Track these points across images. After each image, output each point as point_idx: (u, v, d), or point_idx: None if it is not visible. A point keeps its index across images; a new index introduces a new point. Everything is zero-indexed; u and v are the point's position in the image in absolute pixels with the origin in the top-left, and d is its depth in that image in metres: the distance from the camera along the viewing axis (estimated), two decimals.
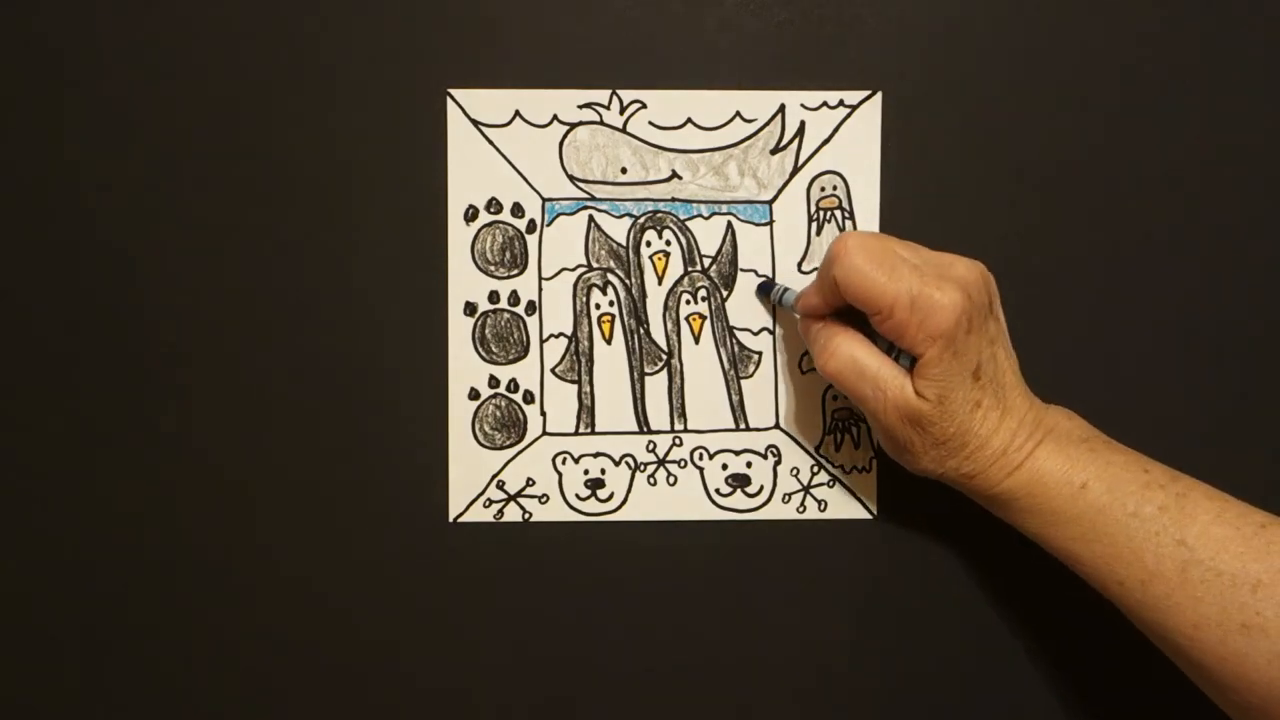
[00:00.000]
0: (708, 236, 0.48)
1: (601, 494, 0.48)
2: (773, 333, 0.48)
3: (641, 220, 0.48)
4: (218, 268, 0.47)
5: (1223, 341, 0.48)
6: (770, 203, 0.48)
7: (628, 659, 0.48)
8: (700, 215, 0.48)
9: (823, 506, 0.48)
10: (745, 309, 0.48)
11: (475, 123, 0.47)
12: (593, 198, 0.48)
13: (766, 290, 0.47)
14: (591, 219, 0.48)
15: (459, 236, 0.47)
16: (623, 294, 0.48)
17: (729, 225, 0.48)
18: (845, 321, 0.43)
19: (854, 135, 0.47)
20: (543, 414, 0.48)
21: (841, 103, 0.47)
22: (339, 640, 0.48)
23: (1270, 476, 0.48)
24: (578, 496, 0.48)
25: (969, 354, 0.40)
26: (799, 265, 0.48)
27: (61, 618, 0.48)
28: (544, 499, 0.48)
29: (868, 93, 0.47)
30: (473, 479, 0.48)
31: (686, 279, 0.48)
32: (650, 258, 0.48)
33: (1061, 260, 0.48)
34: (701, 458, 0.48)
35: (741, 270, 0.48)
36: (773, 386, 0.48)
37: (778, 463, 0.48)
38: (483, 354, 0.48)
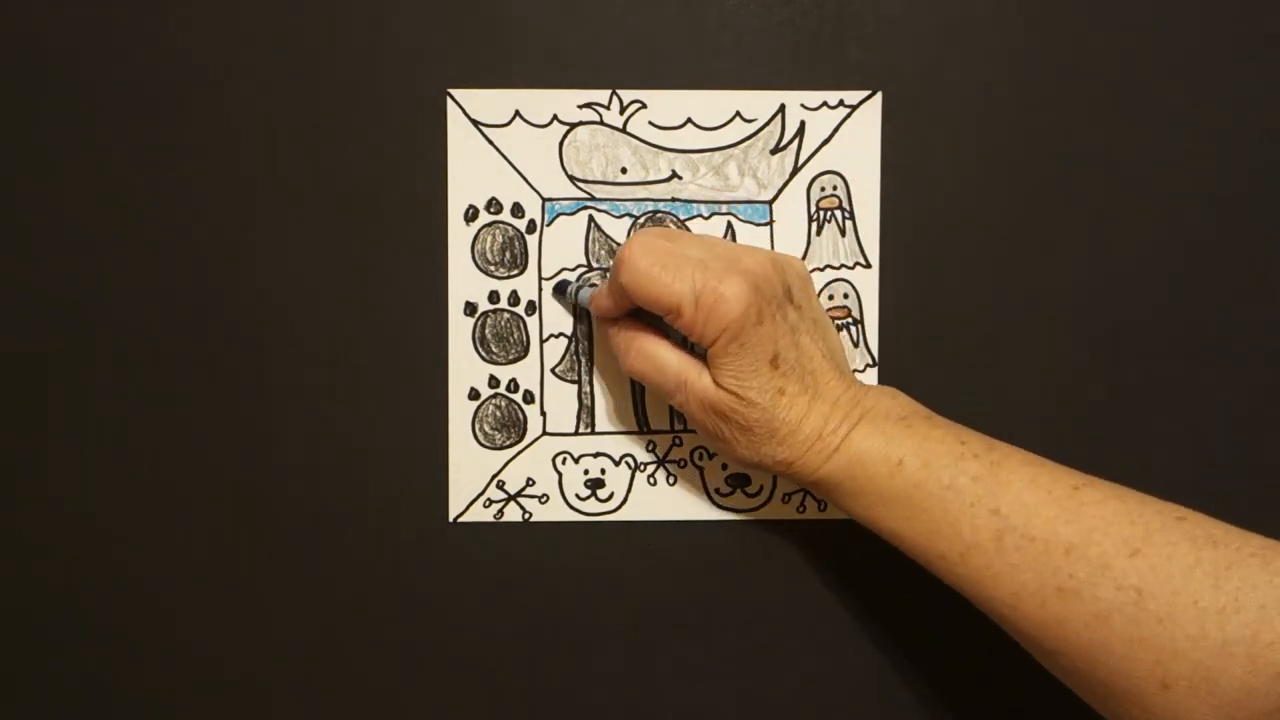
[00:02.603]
0: None
1: (601, 494, 0.48)
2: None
3: (642, 220, 0.48)
4: (217, 267, 0.47)
5: (1225, 340, 0.48)
6: (770, 203, 0.48)
7: (628, 659, 0.48)
8: (700, 215, 0.48)
9: (822, 506, 0.48)
10: None
11: (475, 123, 0.47)
12: (593, 198, 0.48)
13: (563, 290, 0.47)
14: (591, 219, 0.48)
15: (459, 236, 0.47)
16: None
17: (729, 225, 0.48)
18: (642, 318, 0.43)
19: (854, 135, 0.47)
20: (543, 414, 0.48)
21: (841, 103, 0.47)
22: (339, 640, 0.48)
23: None
24: (578, 496, 0.48)
25: (762, 344, 0.40)
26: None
27: (62, 618, 0.48)
28: (544, 499, 0.48)
29: (868, 93, 0.47)
30: (473, 479, 0.48)
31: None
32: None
33: (1062, 260, 0.48)
34: (701, 458, 0.48)
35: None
36: None
37: None
38: (483, 354, 0.48)
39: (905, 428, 0.41)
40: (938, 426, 0.41)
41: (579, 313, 0.48)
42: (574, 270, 0.48)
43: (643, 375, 0.43)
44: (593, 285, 0.46)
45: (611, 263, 0.45)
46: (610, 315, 0.44)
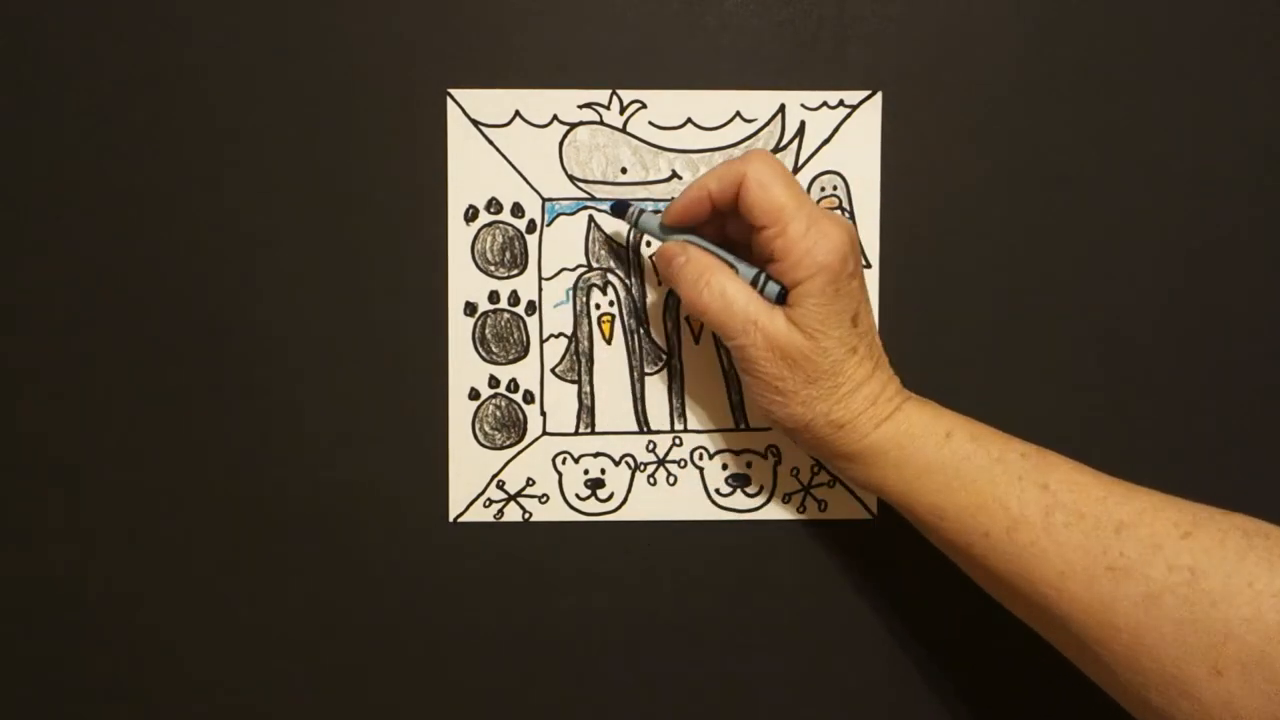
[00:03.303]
0: None
1: (601, 494, 0.48)
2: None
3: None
4: (218, 267, 0.47)
5: (1226, 340, 0.48)
6: None
7: (627, 658, 0.48)
8: None
9: (823, 506, 0.48)
10: None
11: (475, 123, 0.47)
12: (593, 198, 0.48)
13: (622, 210, 0.45)
14: (591, 219, 0.48)
15: (459, 236, 0.47)
16: (623, 294, 0.48)
17: None
18: (709, 250, 0.43)
19: (854, 135, 0.47)
20: (543, 414, 0.48)
21: (841, 103, 0.47)
22: (339, 640, 0.48)
23: None
24: (578, 496, 0.48)
25: (850, 297, 0.40)
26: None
27: (62, 619, 0.48)
28: (544, 499, 0.48)
29: (868, 93, 0.47)
30: (473, 479, 0.48)
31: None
32: (650, 258, 0.48)
33: (1061, 260, 0.48)
34: (701, 458, 0.48)
35: None
36: None
37: (778, 463, 0.48)
38: (483, 354, 0.48)
39: (951, 412, 0.41)
40: (982, 424, 0.42)
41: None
42: (574, 270, 0.48)
43: (708, 310, 0.41)
44: (644, 210, 0.45)
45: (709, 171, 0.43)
46: (690, 217, 0.43)
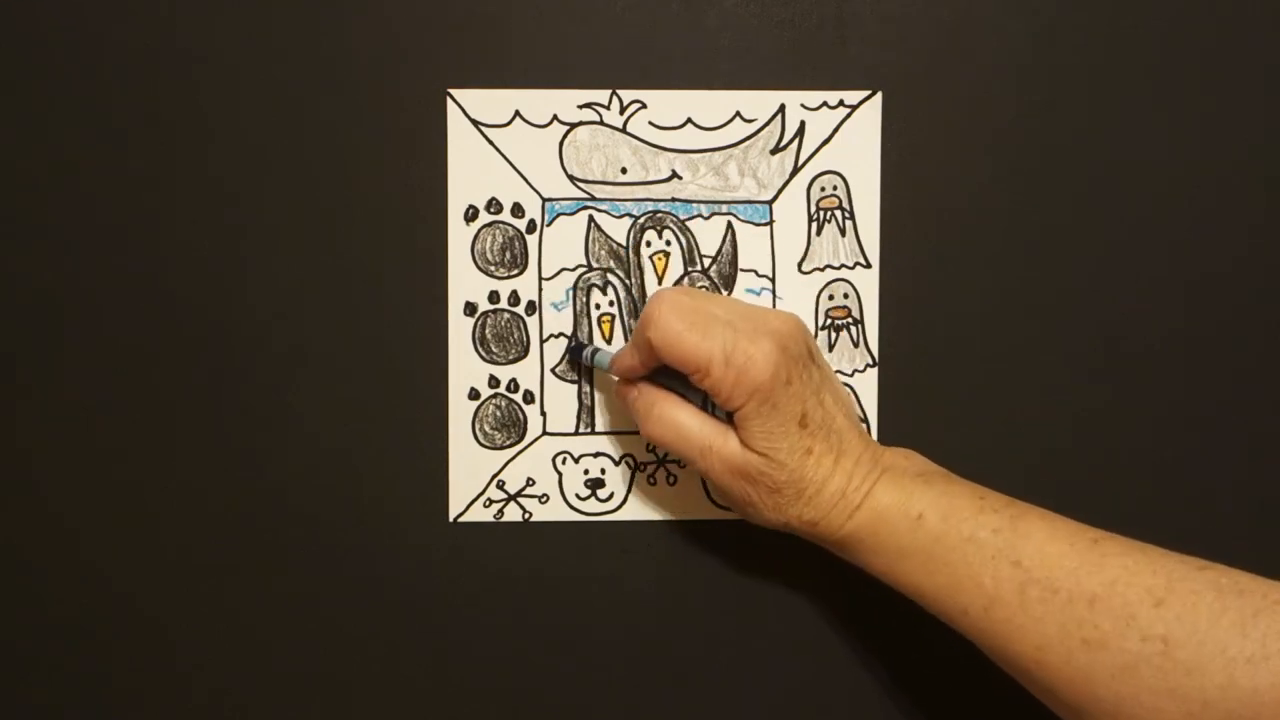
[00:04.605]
0: (708, 236, 0.48)
1: (601, 494, 0.48)
2: (571, 335, 0.48)
3: (641, 220, 0.48)
4: (217, 268, 0.47)
5: (1227, 340, 0.48)
6: (770, 203, 0.48)
7: (627, 659, 0.48)
8: (700, 215, 0.48)
9: None
10: None
11: (475, 123, 0.47)
12: (593, 198, 0.48)
13: (577, 354, 0.47)
14: (591, 219, 0.48)
15: (459, 236, 0.47)
16: (623, 294, 0.48)
17: (729, 225, 0.48)
18: (661, 380, 0.43)
19: (854, 135, 0.47)
20: (543, 414, 0.48)
21: (841, 103, 0.47)
22: (339, 640, 0.48)
23: None
24: (578, 496, 0.48)
25: (791, 404, 0.40)
26: (799, 265, 0.48)
27: (61, 621, 0.48)
28: (544, 499, 0.48)
29: (868, 93, 0.47)
30: (473, 479, 0.48)
31: (686, 279, 0.48)
32: (650, 258, 0.48)
33: (1062, 260, 0.48)
34: None
35: (741, 270, 0.48)
36: None
37: None
38: (483, 354, 0.48)
39: (924, 483, 0.41)
40: (955, 483, 0.41)
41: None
42: (574, 270, 0.48)
43: (663, 441, 0.43)
44: (601, 349, 0.46)
45: (637, 320, 0.45)
46: (634, 374, 0.44)
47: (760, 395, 0.39)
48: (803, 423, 0.40)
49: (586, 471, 0.48)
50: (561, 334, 0.48)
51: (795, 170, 0.48)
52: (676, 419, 0.42)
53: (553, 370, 0.48)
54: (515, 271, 0.48)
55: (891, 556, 0.40)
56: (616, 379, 0.45)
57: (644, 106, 0.47)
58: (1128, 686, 0.35)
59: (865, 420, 0.48)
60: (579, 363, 0.47)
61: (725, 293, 0.48)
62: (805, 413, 0.40)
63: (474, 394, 0.48)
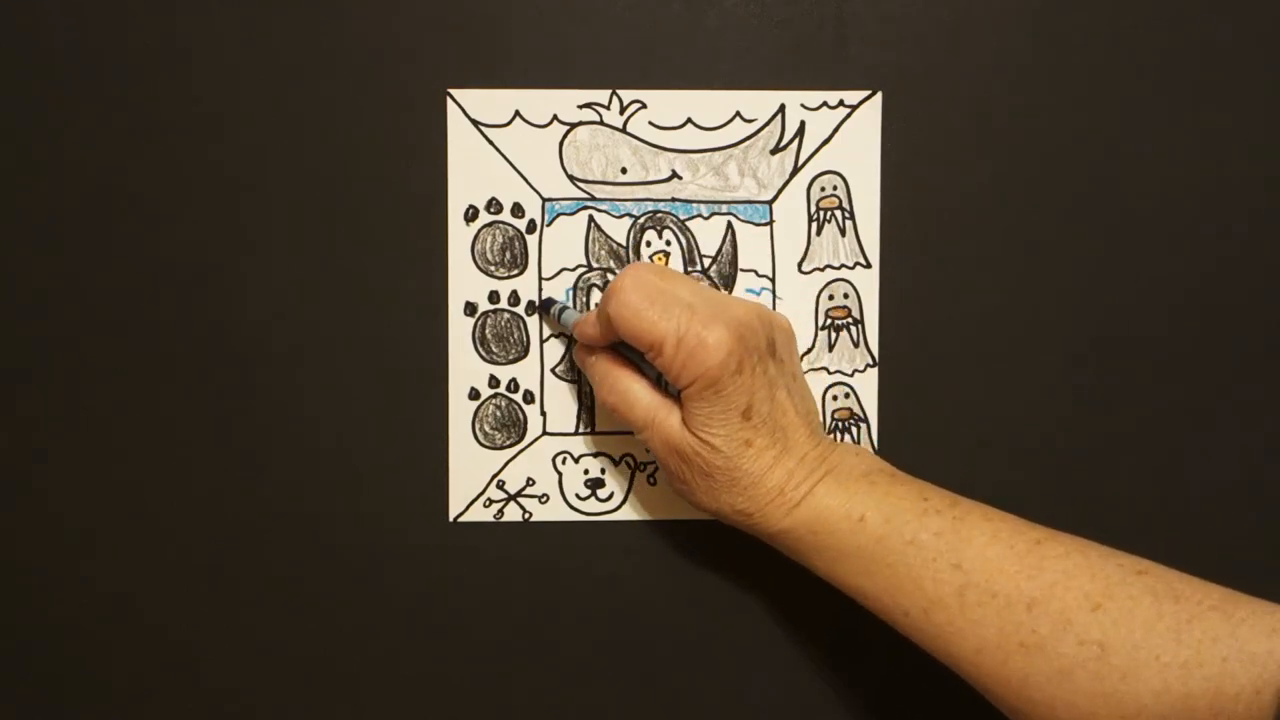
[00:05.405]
0: (708, 236, 0.48)
1: (601, 494, 0.48)
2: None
3: (641, 220, 0.48)
4: (217, 268, 0.47)
5: (1228, 341, 0.48)
6: (770, 203, 0.48)
7: (627, 659, 0.48)
8: (700, 215, 0.48)
9: None
10: None
11: (475, 123, 0.47)
12: (593, 198, 0.48)
13: (546, 309, 0.47)
14: (591, 219, 0.48)
15: (459, 236, 0.47)
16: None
17: (729, 225, 0.48)
18: (621, 352, 0.44)
19: (854, 135, 0.47)
20: (543, 414, 0.48)
21: (841, 103, 0.47)
22: (338, 640, 0.48)
23: None
24: (578, 496, 0.48)
25: (737, 394, 0.40)
26: (799, 265, 0.48)
27: (65, 619, 0.48)
28: (544, 499, 0.48)
29: (868, 93, 0.47)
30: (473, 479, 0.48)
31: None
32: (650, 258, 0.48)
33: (1062, 260, 0.48)
34: None
35: (742, 270, 0.48)
36: None
37: None
38: (483, 354, 0.48)
39: (868, 484, 0.41)
40: (901, 483, 0.41)
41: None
42: (574, 270, 0.48)
43: (613, 409, 0.43)
44: (569, 309, 0.46)
45: (605, 286, 0.45)
46: (595, 343, 0.44)
47: (705, 379, 0.39)
48: (746, 414, 0.40)
49: (586, 471, 0.48)
50: (562, 334, 0.48)
51: (795, 170, 0.48)
52: (627, 389, 0.43)
53: (553, 370, 0.48)
54: (515, 271, 0.48)
55: (830, 556, 0.41)
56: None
57: (644, 106, 0.47)
58: (1063, 690, 0.35)
59: (865, 420, 0.48)
60: (545, 317, 0.47)
61: (726, 293, 0.48)
62: (751, 405, 0.40)
63: (474, 394, 0.48)
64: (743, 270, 0.48)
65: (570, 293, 0.48)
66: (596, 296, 0.48)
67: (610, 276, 0.48)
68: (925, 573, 0.38)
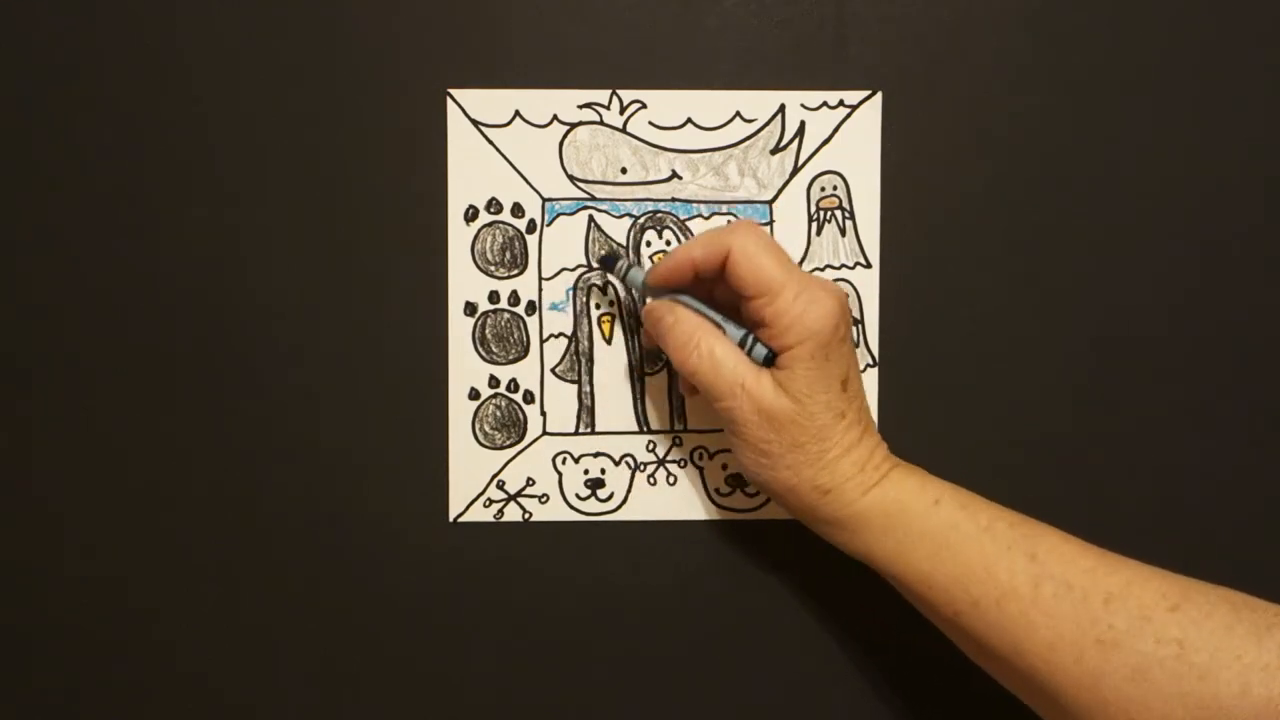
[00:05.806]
0: None
1: (601, 494, 0.48)
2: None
3: (641, 220, 0.48)
4: (218, 267, 0.47)
5: (1228, 341, 0.48)
6: (770, 203, 0.48)
7: (627, 659, 0.48)
8: (700, 215, 0.48)
9: None
10: None
11: (475, 123, 0.47)
12: (593, 198, 0.48)
13: (611, 263, 0.46)
14: (591, 219, 0.48)
15: (459, 236, 0.47)
16: (623, 294, 0.48)
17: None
18: (695, 309, 0.42)
19: (854, 135, 0.47)
20: (543, 414, 0.48)
21: (841, 103, 0.47)
22: (338, 640, 0.48)
23: None
24: (578, 496, 0.48)
25: (841, 362, 0.40)
26: (799, 265, 0.48)
27: (61, 622, 0.48)
28: (544, 499, 0.48)
29: (868, 93, 0.47)
30: (473, 479, 0.48)
31: None
32: (650, 258, 0.48)
33: (1061, 259, 0.48)
34: (701, 458, 0.48)
35: None
36: None
37: None
38: (483, 354, 0.48)
39: (937, 479, 0.41)
40: (967, 491, 0.41)
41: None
42: (574, 270, 0.48)
43: (696, 372, 0.41)
44: (633, 265, 0.45)
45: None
46: (680, 280, 0.42)
47: (817, 340, 0.39)
48: (845, 385, 0.40)
49: (586, 471, 0.48)
50: (561, 334, 0.48)
51: (795, 170, 0.48)
52: (714, 350, 0.41)
53: (553, 370, 0.48)
54: (515, 271, 0.48)
55: (901, 537, 0.40)
56: (646, 301, 0.44)
57: (644, 106, 0.47)
58: (1139, 690, 0.35)
59: None
60: (610, 273, 0.46)
61: None
62: (848, 377, 0.40)
63: (474, 394, 0.48)
64: None
65: (570, 293, 0.48)
66: (596, 296, 0.48)
67: (611, 277, 0.48)
68: (1000, 562, 0.38)
